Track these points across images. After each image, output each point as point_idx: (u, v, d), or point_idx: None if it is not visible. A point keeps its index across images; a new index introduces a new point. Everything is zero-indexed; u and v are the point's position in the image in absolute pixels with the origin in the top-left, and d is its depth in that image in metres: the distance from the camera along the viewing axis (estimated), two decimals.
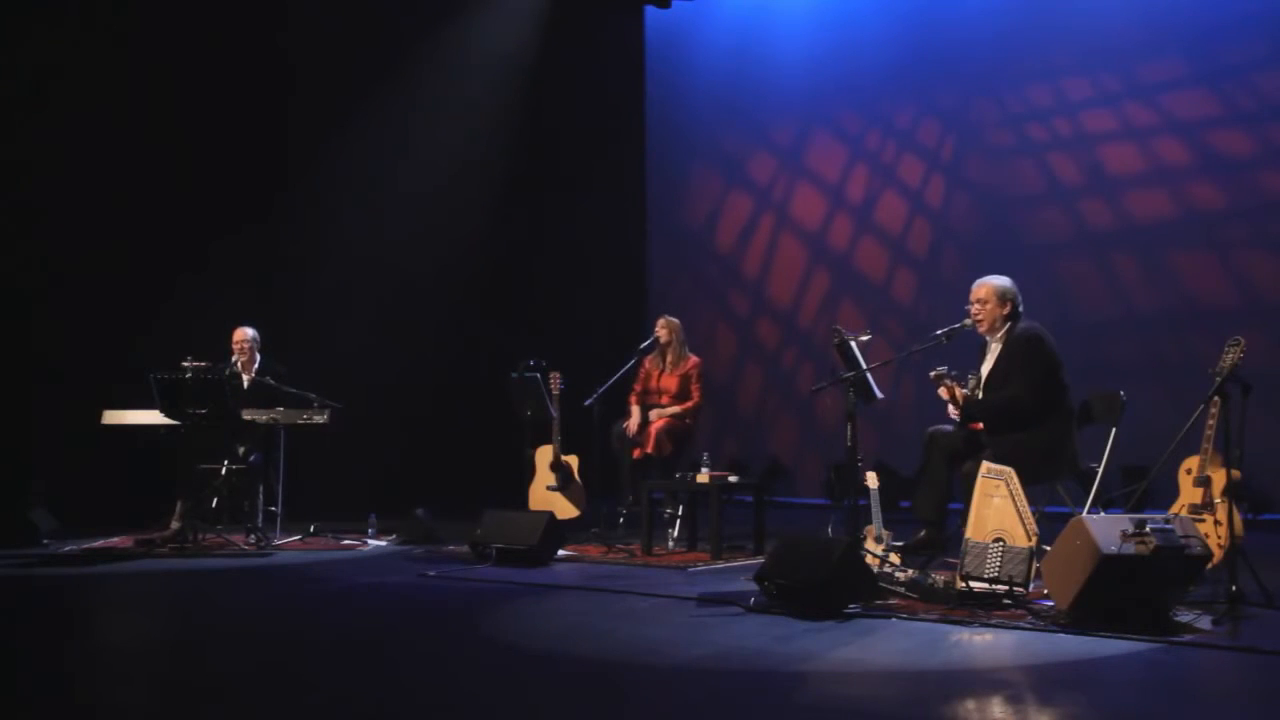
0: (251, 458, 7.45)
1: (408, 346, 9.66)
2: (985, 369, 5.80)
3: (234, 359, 7.79)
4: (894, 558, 5.44)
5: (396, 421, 9.43)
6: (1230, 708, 3.73)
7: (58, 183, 8.20)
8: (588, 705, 3.67)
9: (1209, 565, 4.68)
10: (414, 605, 5.38)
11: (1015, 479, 4.98)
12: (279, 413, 7.30)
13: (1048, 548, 4.74)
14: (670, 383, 7.79)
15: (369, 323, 9.46)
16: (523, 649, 4.47)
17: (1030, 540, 4.85)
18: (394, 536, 7.60)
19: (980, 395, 5.73)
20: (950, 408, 5.83)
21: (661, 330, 7.82)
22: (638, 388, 7.88)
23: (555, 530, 6.59)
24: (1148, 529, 4.39)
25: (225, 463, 7.40)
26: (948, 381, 5.74)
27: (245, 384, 7.72)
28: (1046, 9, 9.34)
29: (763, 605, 4.99)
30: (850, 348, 6.29)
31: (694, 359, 7.89)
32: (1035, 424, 5.58)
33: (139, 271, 8.34)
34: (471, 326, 9.96)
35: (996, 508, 4.97)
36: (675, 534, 7.31)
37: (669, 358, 7.83)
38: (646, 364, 7.89)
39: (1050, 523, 5.42)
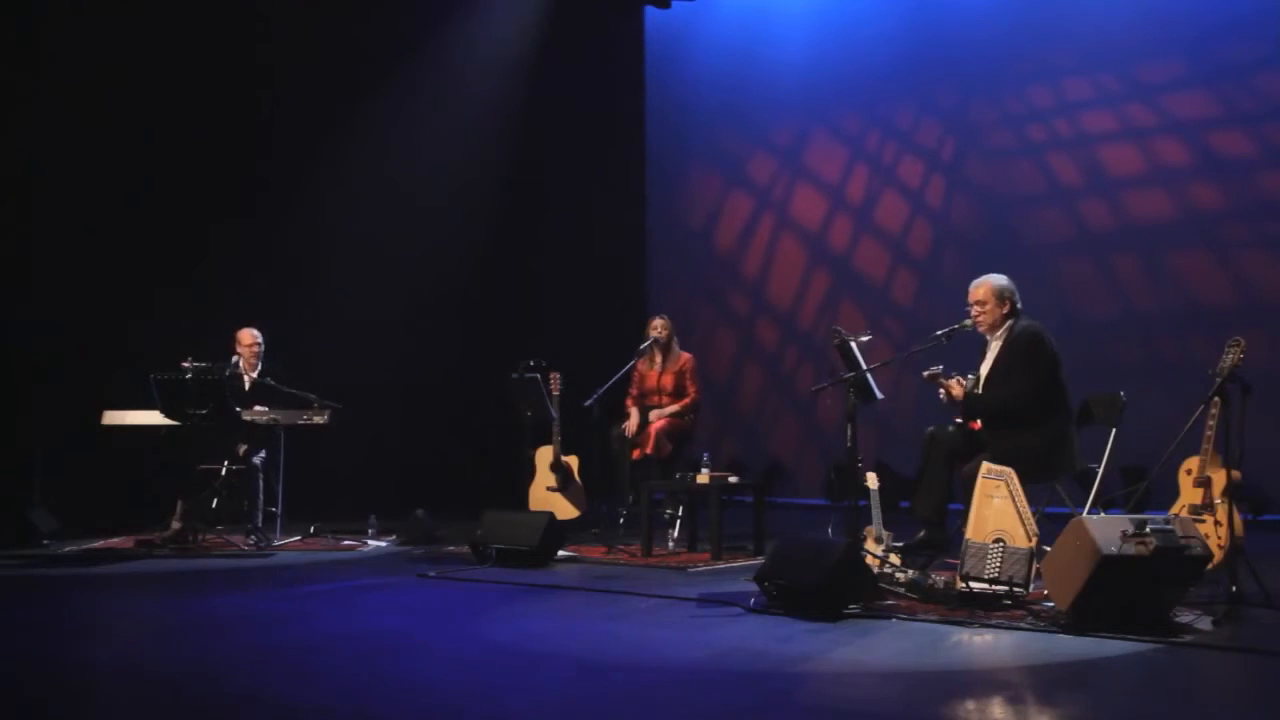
0: (256, 458, 7.44)
1: (407, 347, 9.65)
2: (985, 368, 5.80)
3: (235, 359, 7.78)
4: (894, 558, 5.43)
5: (396, 422, 9.43)
6: (1230, 708, 3.73)
7: (57, 183, 8.19)
8: (588, 706, 3.67)
9: (1209, 566, 4.68)
10: (414, 605, 5.38)
11: (1015, 479, 4.98)
12: (279, 413, 7.30)
13: (1048, 548, 4.74)
14: (668, 380, 7.80)
15: (369, 323, 9.45)
16: (523, 649, 4.47)
17: (1030, 541, 4.85)
18: (394, 537, 7.60)
19: (980, 393, 5.74)
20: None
21: (661, 330, 7.83)
22: (634, 390, 7.88)
23: (555, 531, 6.59)
24: (1148, 530, 4.39)
25: (225, 463, 7.40)
26: (943, 380, 5.74)
27: (247, 385, 7.72)
28: (1046, 9, 9.34)
29: (763, 606, 5.00)
30: (850, 348, 6.29)
31: (686, 355, 7.91)
32: (1035, 423, 5.58)
33: (139, 272, 8.34)
34: (471, 327, 9.96)
35: (996, 508, 4.97)
36: (675, 535, 7.31)
37: (665, 356, 7.84)
38: (639, 366, 7.88)
39: (1050, 523, 5.42)
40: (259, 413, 7.27)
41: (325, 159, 9.38)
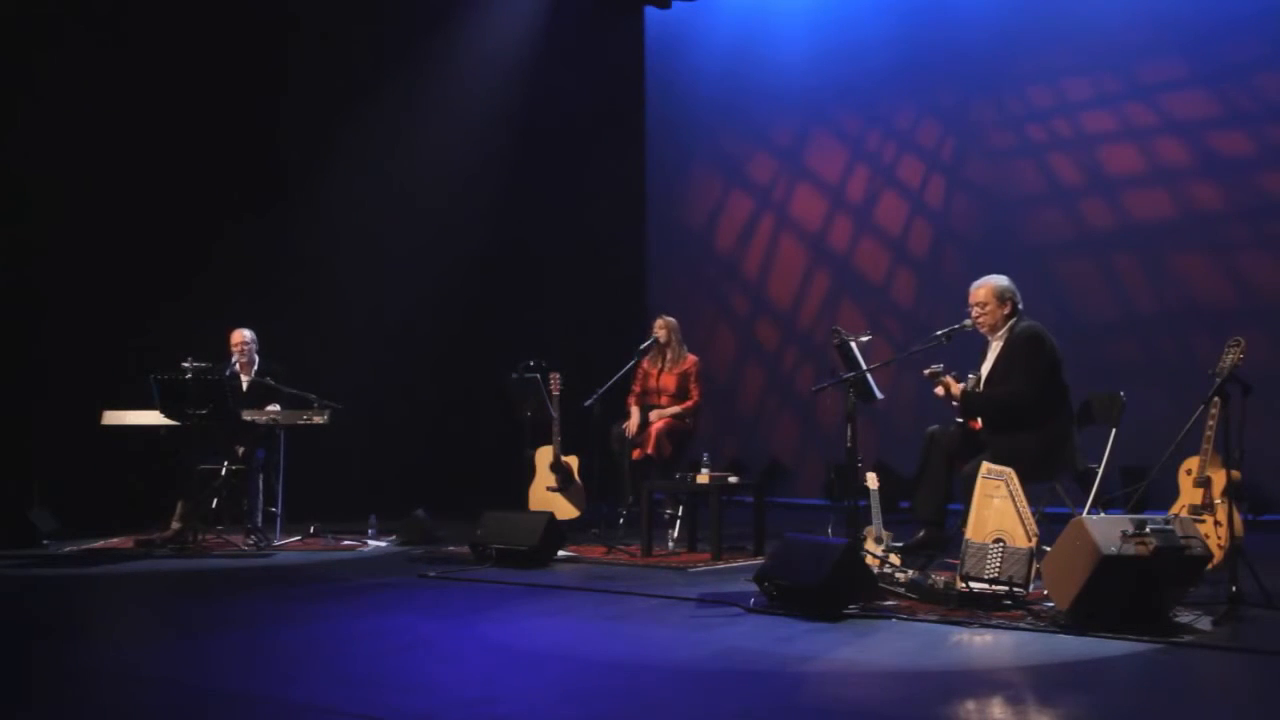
0: (256, 456, 7.45)
1: (407, 347, 9.66)
2: (985, 368, 5.81)
3: (233, 360, 7.79)
4: (894, 558, 5.43)
5: (396, 422, 9.42)
6: (1230, 708, 3.73)
7: (58, 183, 8.19)
8: (587, 706, 3.67)
9: (1209, 566, 4.68)
10: (414, 605, 5.38)
11: (1015, 479, 4.98)
12: (279, 413, 7.31)
13: (1048, 548, 4.74)
14: (669, 381, 7.79)
15: (368, 323, 9.46)
16: (523, 649, 4.47)
17: (1030, 541, 4.85)
18: (394, 537, 7.60)
19: (979, 391, 5.74)
20: (954, 405, 5.83)
21: (660, 330, 7.82)
22: (636, 388, 7.88)
23: (555, 531, 6.59)
24: (1147, 530, 4.39)
25: (225, 463, 7.40)
26: (943, 377, 5.74)
27: (244, 385, 7.72)
28: (1046, 9, 9.34)
29: (763, 606, 5.00)
30: (850, 348, 6.29)
31: (692, 357, 7.89)
32: (1035, 423, 5.58)
33: (139, 271, 8.34)
34: (471, 327, 9.96)
35: (996, 508, 4.97)
36: (675, 535, 7.31)
37: (667, 357, 7.84)
38: (644, 364, 7.89)
39: (1050, 523, 5.42)
40: (260, 412, 7.27)
41: (326, 160, 9.36)
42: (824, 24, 10.49)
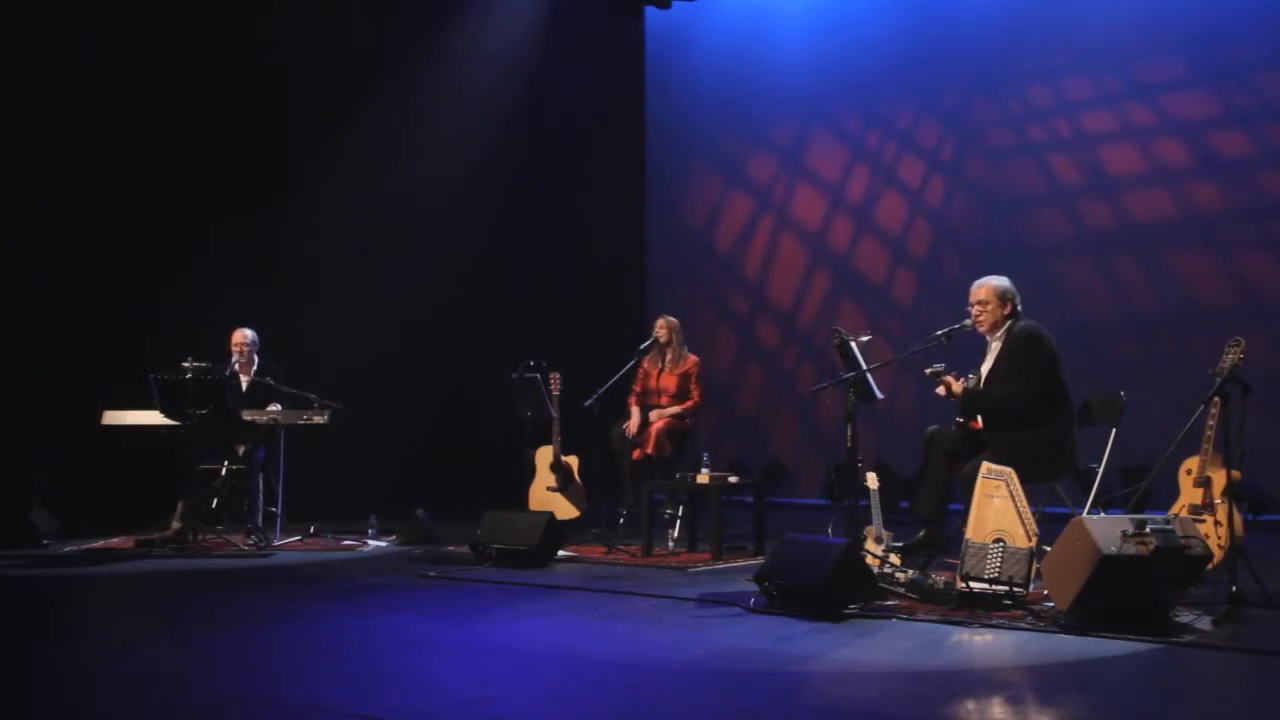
0: (256, 456, 7.45)
1: (407, 347, 9.65)
2: (985, 368, 5.81)
3: (233, 360, 7.79)
4: (894, 558, 5.43)
5: (396, 422, 9.42)
6: (1230, 708, 3.73)
7: (58, 182, 8.19)
8: (587, 706, 3.67)
9: (1209, 566, 4.68)
10: (414, 605, 5.38)
11: (1015, 479, 4.98)
12: (279, 413, 7.30)
13: (1048, 548, 4.74)
14: (669, 382, 7.79)
15: (369, 323, 9.44)
16: (523, 649, 4.47)
17: (1030, 541, 4.86)
18: (394, 537, 7.61)
19: (979, 389, 5.75)
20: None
21: (661, 330, 7.82)
22: (637, 388, 7.88)
23: (555, 531, 6.59)
24: (1148, 530, 4.39)
25: (225, 463, 7.40)
26: (944, 377, 5.74)
27: (244, 385, 7.72)
28: (1046, 9, 9.33)
29: (763, 606, 5.00)
30: (850, 348, 6.30)
31: (693, 358, 7.89)
32: (1035, 423, 5.58)
33: (139, 271, 8.34)
34: (471, 326, 9.96)
35: (996, 508, 4.97)
36: (675, 535, 7.31)
37: (668, 357, 7.84)
38: (645, 364, 7.88)
39: (1050, 523, 5.42)
40: (260, 412, 7.27)
41: (326, 159, 9.36)
42: (824, 24, 10.49)
